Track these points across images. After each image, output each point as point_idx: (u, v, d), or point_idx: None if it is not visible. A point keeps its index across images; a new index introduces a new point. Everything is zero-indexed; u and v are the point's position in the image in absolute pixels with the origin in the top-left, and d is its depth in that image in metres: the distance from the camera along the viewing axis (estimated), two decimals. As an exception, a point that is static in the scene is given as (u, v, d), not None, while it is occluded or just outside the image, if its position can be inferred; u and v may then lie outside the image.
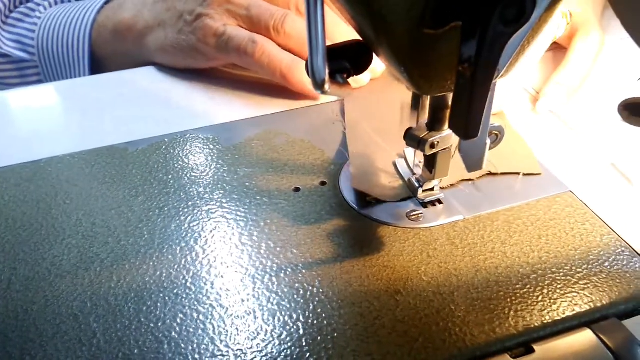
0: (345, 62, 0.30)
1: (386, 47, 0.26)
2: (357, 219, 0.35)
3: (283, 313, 0.29)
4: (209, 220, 0.35)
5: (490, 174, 0.37)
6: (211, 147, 0.41)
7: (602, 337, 0.27)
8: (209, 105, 0.46)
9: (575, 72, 0.45)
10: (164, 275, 0.31)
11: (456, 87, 0.24)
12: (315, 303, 0.29)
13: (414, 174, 0.36)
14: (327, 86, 0.24)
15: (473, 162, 0.30)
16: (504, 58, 0.25)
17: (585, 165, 0.38)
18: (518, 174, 0.37)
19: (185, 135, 0.42)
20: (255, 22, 0.45)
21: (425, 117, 0.32)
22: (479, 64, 0.22)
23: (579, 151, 0.40)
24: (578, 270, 0.30)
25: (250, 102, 0.46)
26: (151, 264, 0.32)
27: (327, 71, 0.24)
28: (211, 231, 0.34)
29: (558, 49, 0.49)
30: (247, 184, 0.37)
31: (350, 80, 0.30)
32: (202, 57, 0.48)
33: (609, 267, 0.30)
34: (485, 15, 0.21)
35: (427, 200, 0.35)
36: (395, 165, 0.37)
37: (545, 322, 0.28)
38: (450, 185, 0.36)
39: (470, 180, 0.36)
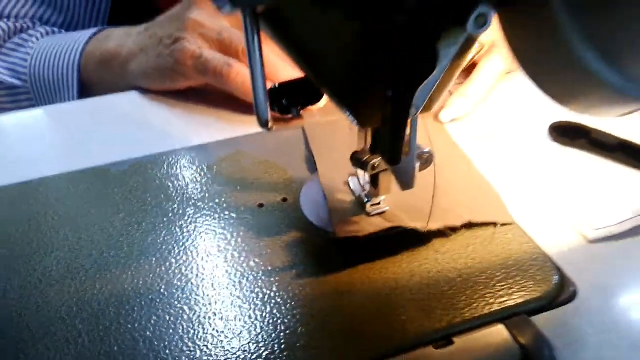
0: (299, 96, 0.35)
1: (327, 89, 0.31)
2: (313, 231, 0.39)
3: (243, 314, 0.33)
4: (181, 234, 0.39)
5: (471, 224, 0.38)
6: (186, 167, 0.45)
7: (512, 331, 0.32)
8: (185, 128, 0.51)
9: (478, 86, 0.50)
10: (141, 282, 0.36)
11: (382, 123, 0.29)
12: (272, 305, 0.34)
13: (363, 190, 0.41)
14: (270, 124, 0.29)
15: (405, 183, 0.35)
16: (419, 99, 0.30)
17: (514, 181, 0.43)
18: (495, 225, 0.39)
19: (162, 157, 0.47)
20: (227, 45, 0.50)
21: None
22: (395, 107, 0.27)
23: (510, 168, 0.45)
24: (497, 274, 0.35)
25: (221, 125, 0.51)
26: (130, 273, 0.36)
27: (269, 112, 0.29)
28: (183, 244, 0.38)
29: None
30: (216, 200, 0.42)
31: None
32: (180, 78, 0.52)
33: (524, 271, 0.35)
34: (397, 70, 0.26)
35: (374, 212, 0.40)
36: (348, 183, 0.42)
37: (465, 318, 0.32)
38: (438, 230, 0.38)
39: (454, 228, 0.38)
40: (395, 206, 0.39)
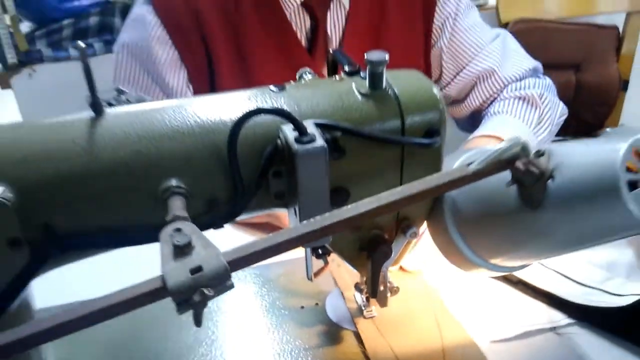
0: (326, 249, 0.64)
1: (339, 254, 0.60)
2: (333, 325, 0.68)
3: (292, 372, 0.62)
4: (256, 323, 0.68)
5: None
6: (257, 279, 0.75)
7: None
8: (257, 251, 0.81)
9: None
10: (235, 351, 0.64)
11: (367, 272, 0.58)
12: (307, 368, 0.62)
13: (363, 301, 0.69)
14: (312, 277, 0.59)
15: (381, 303, 0.63)
16: (387, 265, 0.59)
17: (452, 299, 0.71)
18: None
19: (243, 272, 0.77)
20: None
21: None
22: (372, 272, 0.56)
23: (451, 291, 0.72)
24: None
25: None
26: (225, 348, 0.65)
27: (312, 272, 0.58)
28: (256, 329, 0.67)
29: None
30: (276, 303, 0.71)
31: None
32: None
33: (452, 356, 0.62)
34: (371, 256, 0.55)
35: (368, 316, 0.68)
36: (354, 295, 0.71)
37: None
38: None
39: None
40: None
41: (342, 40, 0.98)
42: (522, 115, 1.00)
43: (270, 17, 0.93)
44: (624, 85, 2.00)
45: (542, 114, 1.02)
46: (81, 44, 0.43)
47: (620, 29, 1.93)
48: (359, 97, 0.50)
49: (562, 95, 1.97)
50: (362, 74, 0.52)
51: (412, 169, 0.51)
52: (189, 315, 0.70)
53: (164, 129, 0.46)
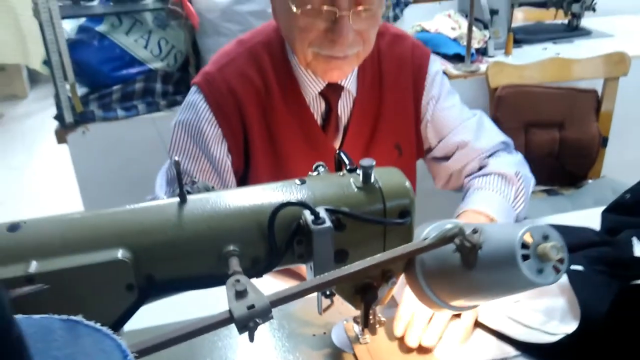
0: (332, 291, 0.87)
1: (340, 296, 0.83)
2: (337, 349, 0.90)
3: (305, 382, 0.84)
4: (280, 346, 0.91)
5: None
6: (279, 313, 0.98)
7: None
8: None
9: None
10: (264, 366, 0.87)
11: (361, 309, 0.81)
12: (317, 379, 0.84)
13: (359, 331, 0.91)
14: (321, 312, 0.81)
15: (372, 331, 0.85)
16: (375, 302, 0.82)
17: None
18: None
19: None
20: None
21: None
22: (364, 310, 0.79)
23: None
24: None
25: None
26: (259, 361, 0.87)
27: (322, 308, 0.81)
28: (278, 351, 0.90)
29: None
30: (294, 331, 0.94)
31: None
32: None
33: (421, 373, 0.84)
34: (363, 298, 0.78)
35: (363, 342, 0.90)
36: (352, 326, 0.93)
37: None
38: None
39: None
40: None
41: (350, 119, 1.23)
42: (502, 191, 1.20)
43: (294, 103, 1.19)
44: (604, 141, 2.23)
45: (518, 190, 1.22)
46: (176, 158, 0.68)
47: (599, 92, 2.17)
48: (355, 188, 0.74)
49: (548, 150, 2.22)
50: (358, 171, 0.76)
51: (391, 239, 0.75)
52: (226, 338, 0.92)
53: (225, 211, 0.70)
